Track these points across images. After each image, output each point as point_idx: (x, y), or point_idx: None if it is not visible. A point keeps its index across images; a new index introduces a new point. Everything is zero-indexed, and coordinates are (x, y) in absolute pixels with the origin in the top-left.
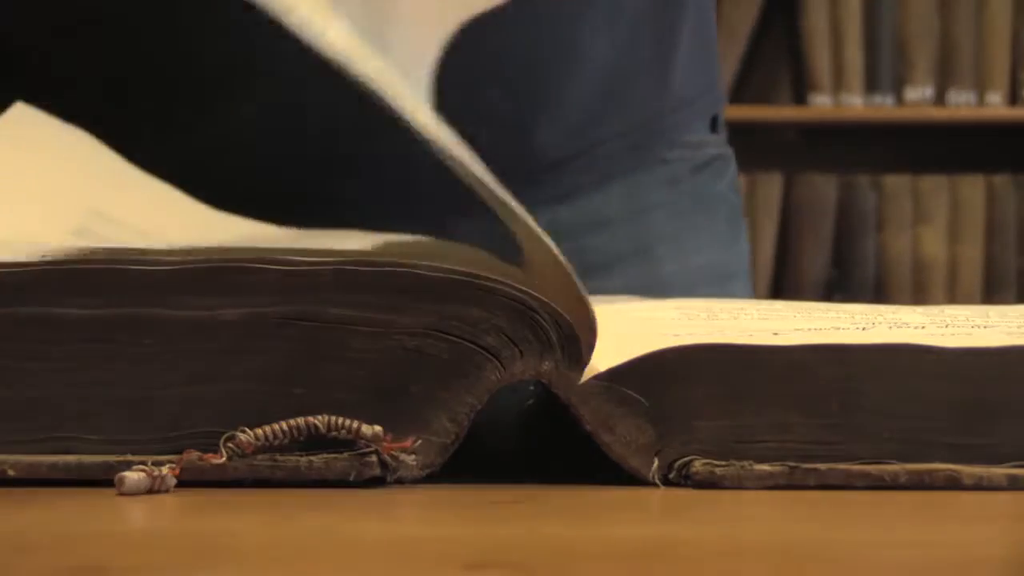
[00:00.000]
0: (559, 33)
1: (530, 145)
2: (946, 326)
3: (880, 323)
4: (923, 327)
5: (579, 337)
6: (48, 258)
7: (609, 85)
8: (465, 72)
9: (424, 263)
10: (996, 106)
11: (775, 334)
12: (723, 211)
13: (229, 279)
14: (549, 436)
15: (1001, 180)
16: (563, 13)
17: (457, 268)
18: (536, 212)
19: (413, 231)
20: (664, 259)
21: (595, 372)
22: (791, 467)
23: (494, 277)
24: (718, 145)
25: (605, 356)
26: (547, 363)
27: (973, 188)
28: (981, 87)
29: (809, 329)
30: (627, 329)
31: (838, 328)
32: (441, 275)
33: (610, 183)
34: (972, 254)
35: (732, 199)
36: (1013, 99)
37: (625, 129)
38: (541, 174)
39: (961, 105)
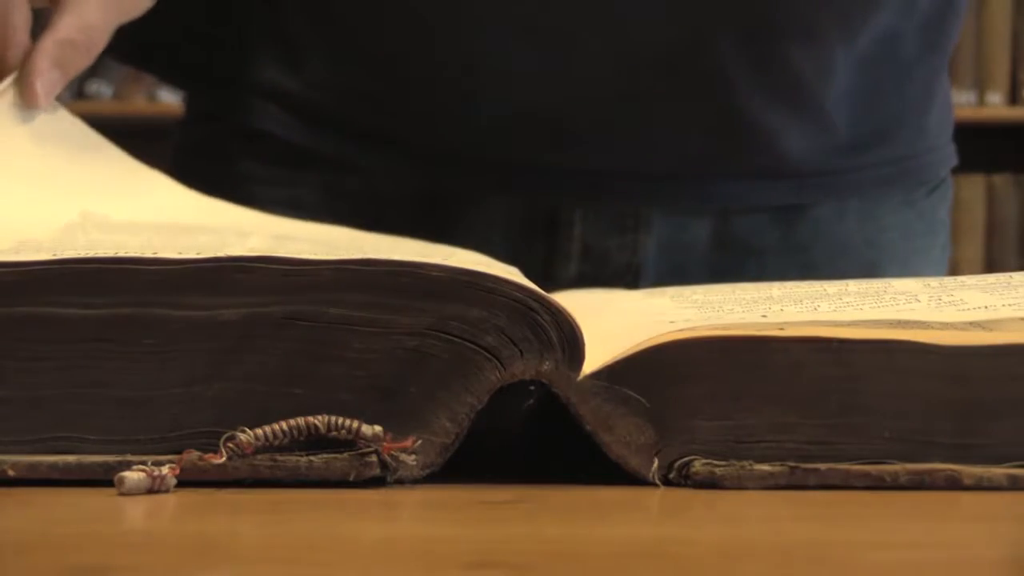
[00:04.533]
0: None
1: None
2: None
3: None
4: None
5: (579, 337)
6: (48, 258)
7: (883, 122)
8: None
9: (424, 263)
10: (996, 106)
11: (763, 316)
12: (942, 236)
13: (229, 279)
14: (549, 436)
15: (1001, 180)
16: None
17: (458, 268)
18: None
19: None
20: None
21: (589, 365)
22: (791, 467)
23: (494, 277)
24: (947, 168)
25: (599, 347)
26: (547, 363)
27: (973, 188)
28: (981, 87)
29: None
30: (619, 319)
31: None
32: (441, 275)
33: (850, 201)
34: (972, 254)
35: (948, 224)
36: (1013, 99)
37: (887, 161)
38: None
39: (961, 105)
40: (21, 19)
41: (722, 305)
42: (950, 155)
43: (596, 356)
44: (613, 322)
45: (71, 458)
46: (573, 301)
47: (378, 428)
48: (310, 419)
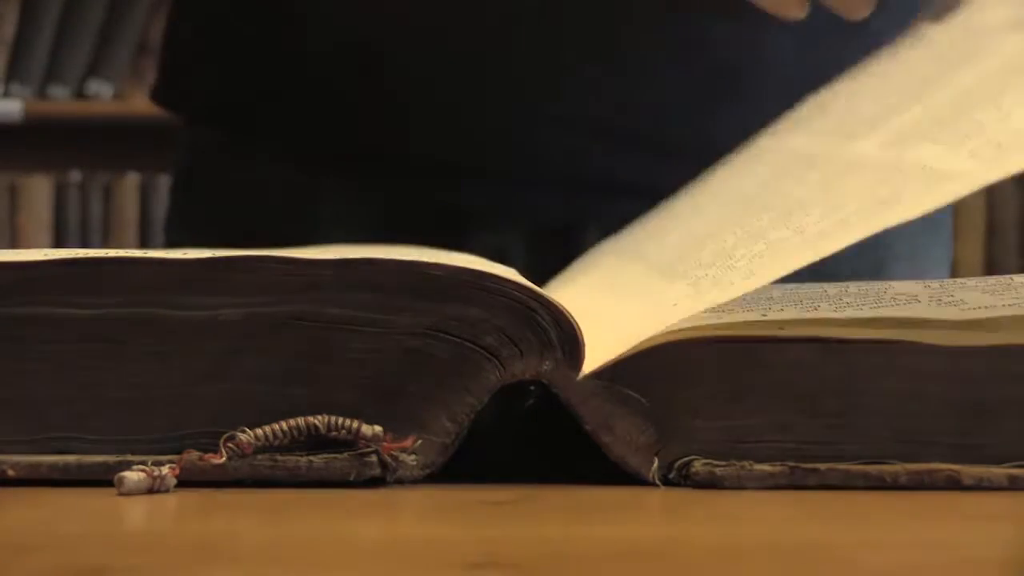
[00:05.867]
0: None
1: None
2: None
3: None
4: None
5: (579, 337)
6: (48, 258)
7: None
8: None
9: (424, 262)
10: None
11: (763, 316)
12: (944, 235)
13: (229, 279)
14: (549, 436)
15: (1001, 180)
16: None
17: (458, 268)
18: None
19: None
20: (895, 279)
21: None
22: (791, 467)
23: (494, 276)
24: None
25: (599, 345)
26: (547, 363)
27: None
28: None
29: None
30: (619, 312)
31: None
32: (441, 275)
33: None
34: (972, 254)
35: (950, 225)
36: None
37: None
38: None
39: None
40: None
41: (722, 304)
42: None
43: (596, 354)
44: (609, 311)
45: (71, 458)
46: (573, 301)
47: (378, 428)
48: (310, 419)
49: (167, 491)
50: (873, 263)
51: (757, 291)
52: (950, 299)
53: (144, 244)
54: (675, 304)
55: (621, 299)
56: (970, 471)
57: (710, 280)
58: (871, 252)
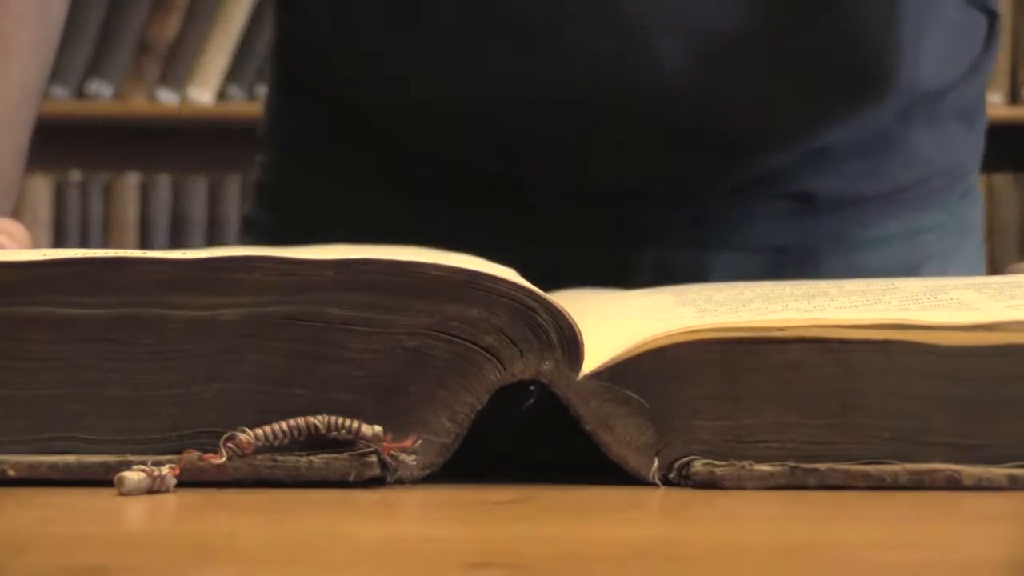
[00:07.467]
0: None
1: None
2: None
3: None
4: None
5: (579, 337)
6: (48, 258)
7: (946, 136)
8: None
9: (424, 263)
10: (996, 106)
11: (763, 316)
12: (975, 237)
13: (229, 279)
14: (549, 436)
15: (1001, 180)
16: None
17: (457, 268)
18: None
19: None
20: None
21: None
22: (791, 467)
23: (493, 277)
24: (975, 175)
25: (599, 346)
26: (547, 363)
27: None
28: None
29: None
30: (619, 318)
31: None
32: (441, 275)
33: (897, 209)
34: None
35: (981, 226)
36: (1013, 99)
37: (942, 172)
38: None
39: None
40: None
41: (722, 304)
42: (978, 164)
43: (596, 356)
44: (613, 321)
45: (71, 458)
46: (572, 301)
47: (378, 428)
48: (310, 419)
49: (167, 491)
50: (909, 263)
51: (757, 290)
52: (949, 299)
53: (144, 244)
54: (681, 317)
55: (625, 308)
56: (970, 471)
57: (720, 313)
58: (906, 254)
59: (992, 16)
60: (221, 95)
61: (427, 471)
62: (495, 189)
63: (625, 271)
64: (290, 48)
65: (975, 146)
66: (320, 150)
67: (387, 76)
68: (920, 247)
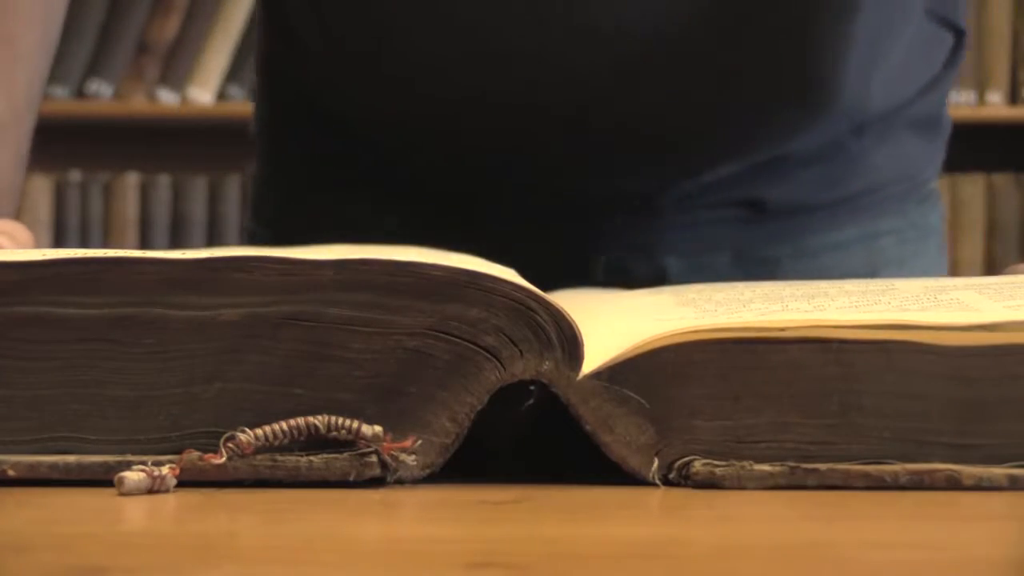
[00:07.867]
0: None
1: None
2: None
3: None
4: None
5: (579, 337)
6: (48, 258)
7: (901, 147)
8: None
9: (424, 263)
10: (996, 106)
11: (763, 316)
12: (935, 240)
13: (229, 279)
14: (549, 436)
15: (1001, 180)
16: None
17: (457, 268)
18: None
19: None
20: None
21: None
22: (791, 467)
23: (493, 277)
24: (934, 182)
25: (599, 347)
26: (547, 363)
27: (973, 188)
28: (981, 87)
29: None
30: (618, 318)
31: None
32: (441, 275)
33: (851, 216)
34: (972, 254)
35: (941, 230)
36: (1013, 99)
37: (897, 181)
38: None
39: (961, 105)
40: None
41: (722, 304)
42: (937, 171)
43: (596, 356)
44: (612, 321)
45: (71, 458)
46: (572, 301)
47: (378, 428)
48: (310, 419)
49: (167, 491)
50: (867, 266)
51: (756, 291)
52: (949, 299)
53: (144, 244)
54: (680, 318)
55: (625, 308)
56: (970, 471)
57: (720, 313)
58: (867, 256)
59: (959, 34)
60: (221, 95)
61: (427, 471)
62: (451, 195)
63: (580, 275)
64: (278, 62)
65: (934, 154)
66: (307, 163)
67: (365, 88)
68: (877, 251)
